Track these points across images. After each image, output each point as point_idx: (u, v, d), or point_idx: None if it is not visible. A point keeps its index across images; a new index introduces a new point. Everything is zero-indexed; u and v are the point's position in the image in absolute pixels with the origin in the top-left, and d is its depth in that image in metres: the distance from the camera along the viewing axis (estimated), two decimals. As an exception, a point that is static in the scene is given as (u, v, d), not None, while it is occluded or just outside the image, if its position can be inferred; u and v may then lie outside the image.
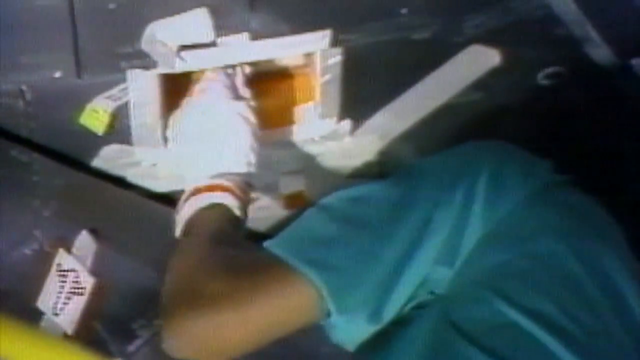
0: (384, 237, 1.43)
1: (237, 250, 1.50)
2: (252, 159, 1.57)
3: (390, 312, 1.39)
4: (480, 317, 1.36)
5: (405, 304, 1.41)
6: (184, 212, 1.55)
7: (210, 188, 1.56)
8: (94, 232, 1.77)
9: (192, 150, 1.60)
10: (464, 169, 1.46)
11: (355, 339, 1.43)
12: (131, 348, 1.85)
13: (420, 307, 1.41)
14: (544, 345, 1.33)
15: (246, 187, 1.61)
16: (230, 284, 1.40)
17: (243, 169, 1.57)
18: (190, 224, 1.55)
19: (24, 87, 1.61)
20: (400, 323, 1.42)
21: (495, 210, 1.41)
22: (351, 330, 1.41)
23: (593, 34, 1.63)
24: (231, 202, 1.54)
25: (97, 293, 1.76)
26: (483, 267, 1.39)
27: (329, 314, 1.36)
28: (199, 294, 1.40)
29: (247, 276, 1.41)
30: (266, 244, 1.42)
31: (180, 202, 1.57)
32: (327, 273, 1.37)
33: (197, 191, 1.56)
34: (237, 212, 1.54)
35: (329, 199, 1.48)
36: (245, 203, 1.58)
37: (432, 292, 1.40)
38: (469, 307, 1.38)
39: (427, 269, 1.41)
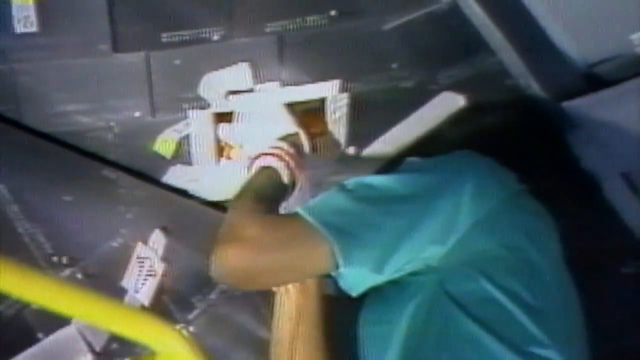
0: (389, 213, 1.66)
1: (274, 206, 1.79)
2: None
3: (389, 269, 1.63)
4: (468, 290, 1.63)
5: (403, 266, 1.65)
6: (250, 171, 1.88)
7: (266, 154, 1.88)
8: (164, 229, 2.11)
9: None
10: (456, 169, 1.73)
11: (359, 287, 1.67)
12: (190, 316, 2.14)
13: (415, 274, 1.67)
14: (513, 316, 1.61)
15: (299, 158, 1.88)
16: (264, 232, 1.65)
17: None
18: (248, 180, 1.85)
19: (112, 124, 2.03)
20: (397, 284, 1.68)
21: (480, 205, 1.65)
22: (356, 279, 1.66)
23: (534, 84, 1.96)
24: (278, 167, 1.85)
25: (166, 275, 2.08)
26: (470, 250, 1.65)
27: (337, 267, 1.60)
28: (240, 236, 1.65)
29: (279, 228, 1.66)
30: (299, 210, 1.68)
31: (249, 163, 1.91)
32: (339, 234, 1.61)
33: (258, 155, 1.88)
34: (284, 176, 1.84)
35: (349, 182, 1.72)
36: (294, 171, 1.88)
37: (426, 265, 1.66)
38: (460, 282, 1.64)
39: (423, 245, 1.65)
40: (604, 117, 1.99)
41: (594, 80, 2.03)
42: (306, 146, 1.95)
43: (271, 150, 1.88)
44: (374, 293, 1.71)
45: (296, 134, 1.93)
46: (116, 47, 2.02)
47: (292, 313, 1.80)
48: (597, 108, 1.99)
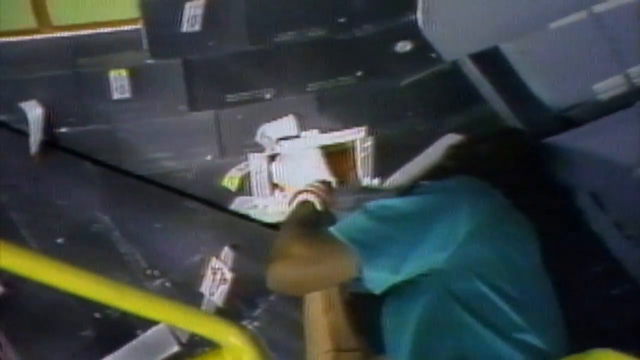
0: (401, 228, 1.85)
1: (312, 229, 1.97)
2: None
3: (404, 271, 1.83)
4: (465, 288, 1.82)
5: (414, 269, 1.84)
6: (291, 205, 2.15)
7: (304, 191, 2.16)
8: (232, 246, 2.38)
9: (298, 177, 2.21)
10: (454, 191, 1.93)
11: (380, 286, 1.87)
12: (255, 314, 2.39)
13: (423, 275, 1.86)
14: (500, 308, 1.81)
15: (329, 193, 2.16)
16: (304, 249, 1.88)
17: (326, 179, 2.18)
18: (291, 212, 2.13)
19: (190, 166, 2.31)
20: (410, 283, 1.87)
21: (474, 219, 1.85)
22: (377, 280, 1.86)
23: (518, 125, 2.27)
24: (314, 200, 2.13)
25: (235, 283, 2.36)
26: (466, 256, 1.84)
27: (361, 272, 1.82)
28: (286, 254, 1.90)
29: (315, 245, 1.88)
30: (330, 228, 1.89)
31: (290, 198, 2.18)
32: (361, 247, 1.82)
33: (298, 193, 2.17)
34: (318, 206, 2.12)
35: (369, 205, 1.92)
36: (326, 202, 2.15)
37: (432, 268, 1.85)
38: (458, 281, 1.83)
39: (429, 251, 1.84)
40: (575, 149, 2.25)
41: (565, 121, 2.31)
42: (334, 183, 2.19)
43: (308, 188, 2.16)
44: (392, 291, 1.90)
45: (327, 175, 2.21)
46: (192, 107, 2.29)
47: (318, 312, 2.03)
48: (569, 143, 2.26)
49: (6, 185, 2.32)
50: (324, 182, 2.20)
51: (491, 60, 2.29)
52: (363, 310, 2.01)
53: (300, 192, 2.17)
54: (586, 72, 2.28)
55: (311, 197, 2.13)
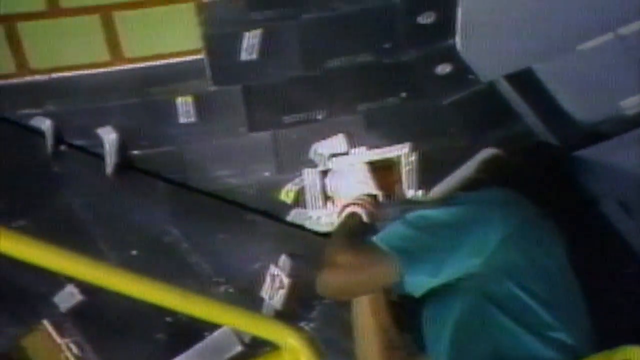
0: (438, 236, 1.91)
1: (358, 239, 2.00)
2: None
3: (442, 275, 1.89)
4: (499, 290, 1.89)
5: (451, 274, 1.89)
6: (340, 216, 2.17)
7: (352, 204, 2.17)
8: (290, 254, 2.48)
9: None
10: (487, 201, 2.00)
11: (420, 289, 1.93)
12: (311, 315, 2.50)
13: (460, 279, 1.91)
14: (532, 308, 1.87)
15: (376, 205, 2.16)
16: (351, 258, 1.93)
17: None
18: (340, 223, 2.15)
19: (251, 182, 2.43)
20: (448, 287, 1.93)
21: (505, 227, 1.91)
22: (417, 284, 1.91)
23: (551, 139, 2.38)
24: (361, 212, 2.14)
25: (292, 287, 2.46)
26: (499, 260, 1.90)
27: (402, 276, 1.87)
28: (335, 262, 1.95)
29: (360, 254, 1.93)
30: (373, 237, 1.94)
31: (339, 210, 2.20)
32: (402, 254, 1.87)
33: (346, 205, 2.18)
34: (365, 218, 2.12)
35: (409, 215, 1.98)
36: (373, 214, 2.15)
37: (468, 272, 1.90)
38: (493, 284, 1.89)
39: (464, 257, 1.89)
40: (603, 161, 2.36)
41: (594, 135, 2.40)
42: (380, 196, 2.23)
43: (355, 201, 2.21)
44: (431, 293, 1.96)
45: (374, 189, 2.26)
46: (251, 129, 2.41)
47: (366, 314, 2.09)
48: (598, 155, 2.37)
49: (85, 203, 2.43)
50: (370, 195, 2.24)
51: (525, 80, 2.39)
52: (405, 312, 2.07)
53: (348, 205, 2.22)
54: (613, 89, 2.37)
55: (358, 210, 2.17)
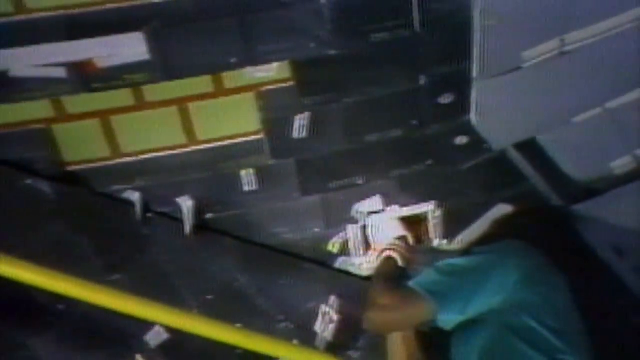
0: (465, 280, 2.14)
1: (395, 282, 2.22)
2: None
3: (469, 312, 2.11)
4: (517, 322, 2.11)
5: (476, 310, 2.11)
6: (378, 259, 2.43)
7: (388, 249, 2.44)
8: (338, 295, 2.65)
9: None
10: (504, 251, 2.24)
11: (451, 324, 2.15)
12: (357, 345, 2.70)
13: (484, 314, 2.14)
14: (545, 336, 2.10)
15: (410, 251, 2.40)
16: (390, 299, 2.15)
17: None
18: (378, 265, 2.42)
19: (303, 236, 2.62)
20: (474, 321, 2.15)
21: (520, 271, 2.14)
22: (448, 320, 2.13)
23: (553, 196, 2.60)
24: (396, 257, 2.40)
25: (341, 322, 2.66)
26: (517, 299, 2.13)
27: (436, 315, 2.11)
28: (375, 303, 2.19)
29: (398, 296, 2.15)
30: (409, 282, 2.16)
31: (377, 255, 2.44)
32: (435, 296, 2.11)
33: (383, 250, 2.44)
34: (400, 262, 2.37)
35: (439, 263, 2.21)
36: (407, 258, 2.39)
37: (491, 308, 2.13)
38: (511, 317, 2.12)
39: (487, 296, 2.12)
40: (598, 213, 2.61)
41: (590, 191, 2.65)
42: (411, 242, 2.47)
43: (390, 246, 2.45)
44: (459, 327, 2.18)
45: (406, 237, 2.51)
46: (304, 194, 2.58)
47: (398, 343, 2.31)
48: (594, 208, 2.62)
49: (169, 259, 2.58)
50: (404, 242, 2.47)
51: (530, 148, 2.60)
52: (432, 341, 2.28)
53: (385, 249, 2.45)
54: (603, 153, 2.62)
55: (393, 254, 2.42)
